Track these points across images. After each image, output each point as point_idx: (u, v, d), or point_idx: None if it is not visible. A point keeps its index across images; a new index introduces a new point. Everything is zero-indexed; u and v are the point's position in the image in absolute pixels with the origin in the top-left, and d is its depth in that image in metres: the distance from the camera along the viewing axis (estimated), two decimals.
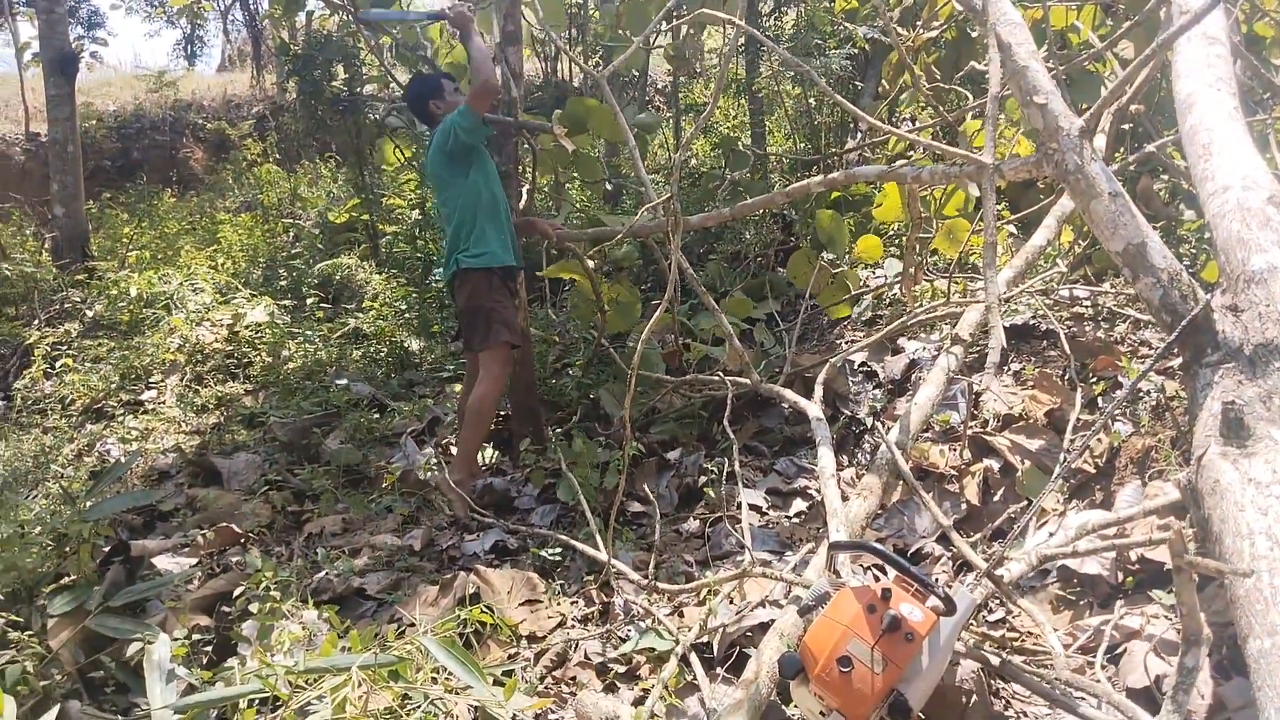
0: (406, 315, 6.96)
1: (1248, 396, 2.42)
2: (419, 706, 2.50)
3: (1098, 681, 2.39)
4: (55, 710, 2.53)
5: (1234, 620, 2.06)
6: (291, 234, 9.18)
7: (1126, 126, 5.40)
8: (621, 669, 3.06)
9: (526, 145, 5.28)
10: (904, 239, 5.13)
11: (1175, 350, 2.69)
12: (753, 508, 4.13)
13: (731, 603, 3.26)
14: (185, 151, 14.56)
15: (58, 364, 6.34)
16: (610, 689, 2.97)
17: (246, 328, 6.47)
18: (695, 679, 2.90)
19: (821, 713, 2.21)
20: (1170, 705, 1.47)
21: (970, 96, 5.53)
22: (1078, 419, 3.67)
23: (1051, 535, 3.28)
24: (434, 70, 5.76)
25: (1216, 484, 2.27)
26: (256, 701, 2.49)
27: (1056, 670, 2.27)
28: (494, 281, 4.51)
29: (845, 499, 3.42)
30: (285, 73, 11.36)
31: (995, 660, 2.60)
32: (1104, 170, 2.91)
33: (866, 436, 4.58)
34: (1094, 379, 3.97)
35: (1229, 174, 3.13)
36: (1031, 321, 4.53)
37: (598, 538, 3.63)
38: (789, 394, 4.27)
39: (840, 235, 5.79)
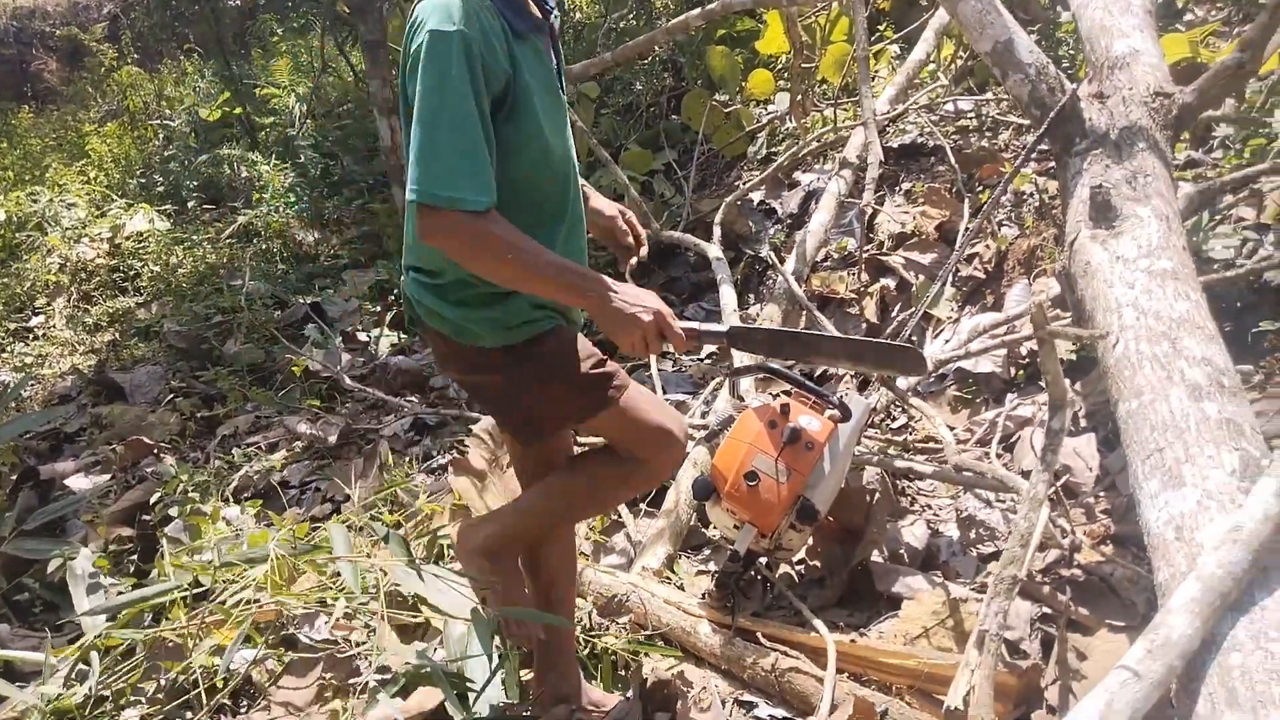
0: (296, 206, 6.73)
1: (1115, 179, 2.50)
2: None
3: (990, 465, 2.53)
4: None
5: (1108, 389, 2.19)
6: (163, 137, 8.71)
7: None
8: None
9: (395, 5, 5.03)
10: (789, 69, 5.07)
11: (1046, 143, 2.74)
12: (664, 354, 4.19)
13: None
14: (37, 64, 13.56)
15: None
16: None
17: (128, 239, 6.20)
18: (620, 517, 2.99)
19: (735, 526, 2.31)
20: (1040, 465, 1.57)
21: None
22: (967, 228, 3.75)
23: (947, 341, 3.40)
24: None
25: (1088, 265, 2.37)
26: (189, 599, 2.50)
27: (948, 457, 2.40)
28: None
29: None
30: None
31: (898, 461, 2.73)
32: None
33: (770, 273, 4.63)
34: (981, 188, 4.04)
35: None
36: (919, 139, 4.56)
37: None
38: (688, 238, 4.28)
39: (732, 73, 5.70)
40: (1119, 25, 2.83)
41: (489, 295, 1.76)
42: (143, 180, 7.85)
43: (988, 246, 3.74)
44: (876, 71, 5.07)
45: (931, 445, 3.02)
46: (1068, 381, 2.99)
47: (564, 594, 2.15)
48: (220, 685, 2.15)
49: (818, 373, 3.72)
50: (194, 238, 6.37)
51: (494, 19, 1.65)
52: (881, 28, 5.62)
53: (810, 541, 2.52)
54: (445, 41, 1.57)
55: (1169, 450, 1.82)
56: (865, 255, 4.01)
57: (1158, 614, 1.54)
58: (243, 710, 2.34)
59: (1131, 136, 2.55)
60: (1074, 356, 3.08)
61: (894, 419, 3.29)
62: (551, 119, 1.78)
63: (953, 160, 4.06)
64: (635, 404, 1.86)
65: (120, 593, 2.80)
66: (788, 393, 2.46)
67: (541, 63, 1.79)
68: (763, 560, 2.48)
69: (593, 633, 2.41)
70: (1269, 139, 3.27)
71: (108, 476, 3.83)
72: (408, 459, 3.62)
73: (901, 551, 2.59)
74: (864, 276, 3.97)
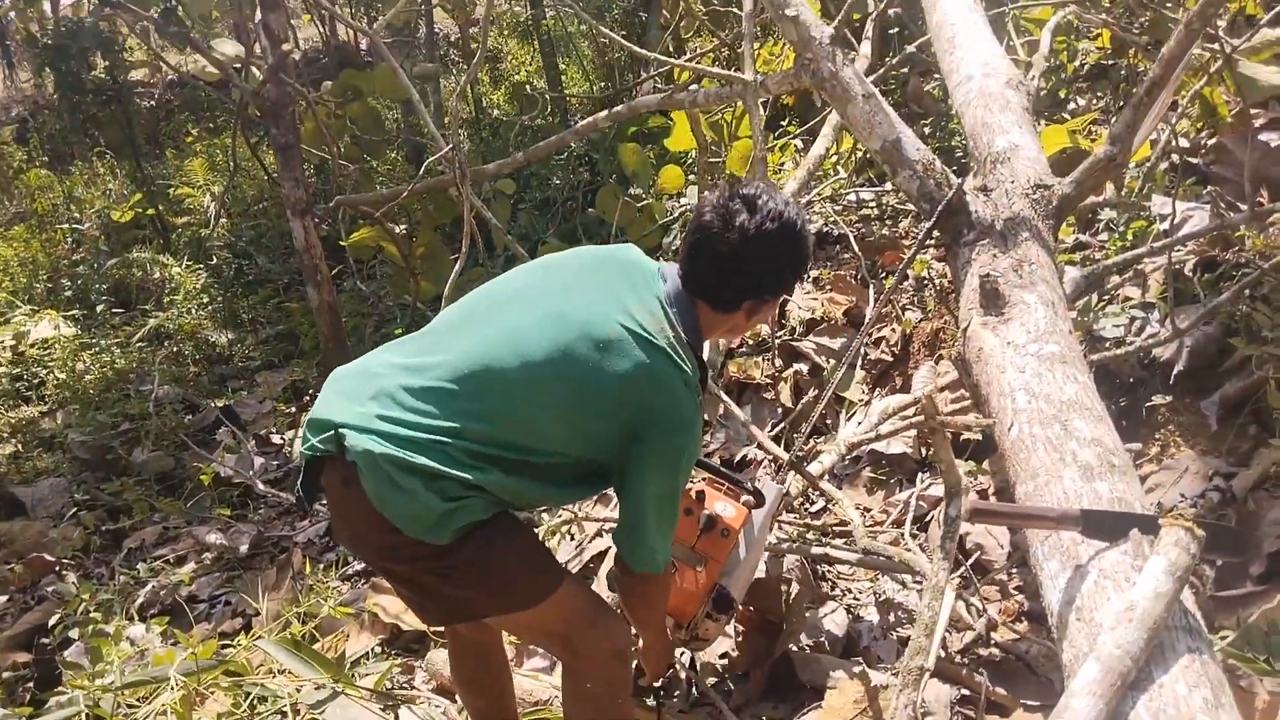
0: (210, 307, 6.63)
1: (1002, 268, 2.62)
2: (265, 699, 2.45)
3: (906, 549, 2.57)
4: None
5: (1007, 470, 2.26)
6: (72, 240, 8.55)
7: (894, 30, 5.65)
8: None
9: (308, 109, 5.07)
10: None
11: (936, 235, 2.87)
12: None
13: (572, 539, 3.32)
14: None
15: None
16: None
17: (32, 346, 6.03)
18: None
19: None
20: (939, 552, 1.61)
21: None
22: (869, 314, 3.87)
23: (860, 424, 3.47)
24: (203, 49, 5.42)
25: (980, 351, 2.46)
26: None
27: (857, 540, 2.43)
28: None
29: None
30: (39, 67, 10.44)
31: (816, 548, 2.76)
32: (857, 74, 3.04)
33: None
34: (884, 274, 4.19)
35: (971, 64, 3.33)
36: (825, 229, 4.72)
37: None
38: None
39: (643, 168, 5.87)
40: (999, 122, 3.00)
41: (470, 486, 1.69)
42: (49, 285, 7.67)
43: (894, 330, 3.86)
44: (782, 164, 5.26)
45: (850, 528, 3.06)
46: (972, 464, 3.09)
47: (512, 700, 2.24)
48: None
49: (736, 459, 3.76)
50: (102, 343, 6.22)
51: None
52: (785, 123, 5.85)
53: (731, 632, 2.52)
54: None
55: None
56: (777, 341, 4.10)
57: (1062, 697, 1.57)
58: None
59: (1015, 227, 2.69)
60: (979, 436, 3.18)
61: (812, 504, 3.33)
62: None
63: (856, 248, 4.21)
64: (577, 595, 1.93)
65: None
66: (702, 479, 2.48)
67: None
68: (683, 653, 2.46)
69: None
70: (1148, 221, 3.48)
71: (4, 598, 3.66)
72: (323, 566, 3.53)
73: (823, 639, 2.60)
74: (777, 362, 4.05)
